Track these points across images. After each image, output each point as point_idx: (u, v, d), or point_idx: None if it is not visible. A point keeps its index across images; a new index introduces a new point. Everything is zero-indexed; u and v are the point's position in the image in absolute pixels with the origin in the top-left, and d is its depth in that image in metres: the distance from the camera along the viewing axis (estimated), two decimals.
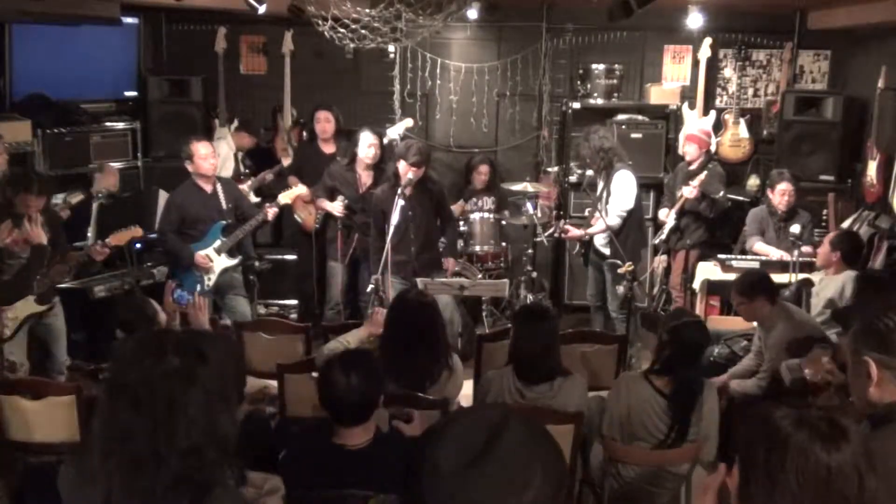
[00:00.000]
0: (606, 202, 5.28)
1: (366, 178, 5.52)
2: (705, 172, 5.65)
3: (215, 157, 5.12)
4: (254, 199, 6.16)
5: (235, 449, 1.53)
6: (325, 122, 6.02)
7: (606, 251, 5.39)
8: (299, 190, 5.38)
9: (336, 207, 5.47)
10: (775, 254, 5.39)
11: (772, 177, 5.65)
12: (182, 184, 5.16)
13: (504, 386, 3.28)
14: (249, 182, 6.17)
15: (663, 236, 5.89)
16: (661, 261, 6.19)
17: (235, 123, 6.62)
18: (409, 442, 2.68)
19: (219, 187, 5.13)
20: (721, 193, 5.83)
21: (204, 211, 5.08)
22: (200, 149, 4.98)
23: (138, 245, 5.86)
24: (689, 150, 5.96)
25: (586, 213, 5.99)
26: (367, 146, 5.41)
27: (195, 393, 1.46)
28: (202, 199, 5.07)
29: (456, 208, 6.16)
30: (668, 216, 5.92)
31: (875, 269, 5.03)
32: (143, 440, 1.41)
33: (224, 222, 5.09)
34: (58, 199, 5.21)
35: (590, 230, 5.48)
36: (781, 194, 5.44)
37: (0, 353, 4.21)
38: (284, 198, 5.23)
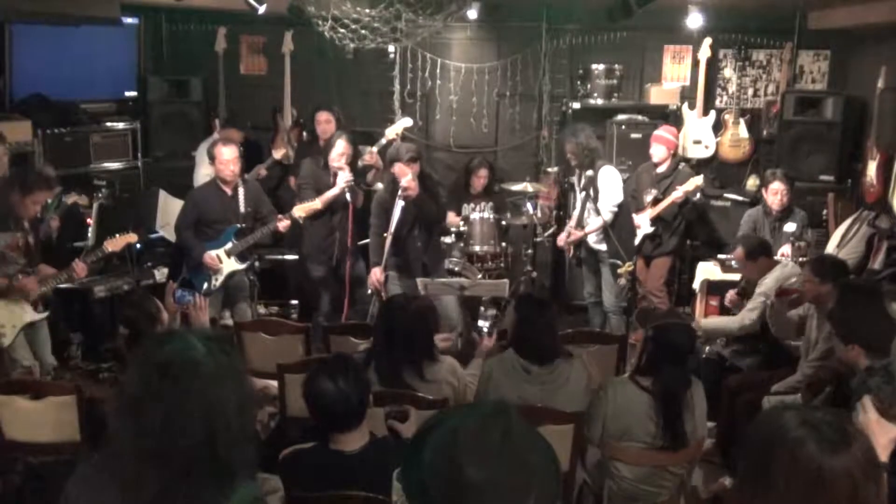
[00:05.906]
0: (596, 199, 5.30)
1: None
2: (701, 177, 5.65)
3: (237, 163, 5.12)
4: None
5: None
6: (325, 124, 6.00)
7: (601, 247, 5.43)
8: (314, 205, 5.27)
9: (340, 181, 5.16)
10: None
11: (765, 177, 5.68)
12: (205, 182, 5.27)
13: (507, 367, 3.29)
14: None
15: (636, 241, 5.73)
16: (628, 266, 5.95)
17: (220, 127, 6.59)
18: (405, 444, 2.68)
19: (240, 191, 5.17)
20: (697, 196, 5.85)
21: (220, 212, 5.13)
22: (224, 154, 5.04)
23: (138, 245, 5.87)
24: (655, 153, 5.90)
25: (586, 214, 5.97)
26: (338, 155, 5.21)
27: (230, 388, 1.50)
28: (221, 201, 5.13)
29: (452, 220, 5.91)
30: (639, 217, 5.80)
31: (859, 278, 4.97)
32: (191, 437, 1.45)
33: (238, 226, 5.11)
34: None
35: (587, 229, 5.49)
36: (774, 193, 5.46)
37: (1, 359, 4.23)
38: (298, 211, 5.17)
